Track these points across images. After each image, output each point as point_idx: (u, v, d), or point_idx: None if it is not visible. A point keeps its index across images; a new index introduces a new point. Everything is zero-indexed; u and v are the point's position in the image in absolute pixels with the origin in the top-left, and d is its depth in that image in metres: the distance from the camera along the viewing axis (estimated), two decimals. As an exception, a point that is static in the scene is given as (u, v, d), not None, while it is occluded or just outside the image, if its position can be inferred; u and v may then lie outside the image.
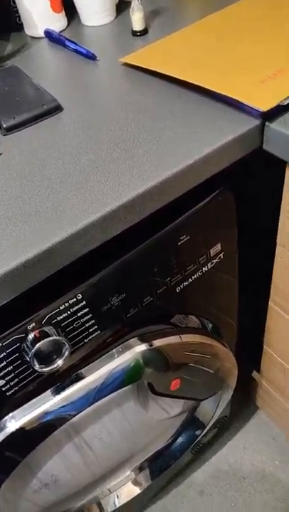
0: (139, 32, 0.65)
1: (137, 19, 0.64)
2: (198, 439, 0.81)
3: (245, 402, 1.11)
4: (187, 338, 0.60)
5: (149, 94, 0.54)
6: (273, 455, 1.07)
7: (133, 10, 0.64)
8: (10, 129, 0.52)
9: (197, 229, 0.52)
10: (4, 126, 0.51)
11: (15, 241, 0.39)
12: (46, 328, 0.44)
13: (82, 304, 0.46)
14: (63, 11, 0.71)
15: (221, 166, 0.48)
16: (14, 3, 0.69)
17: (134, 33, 0.66)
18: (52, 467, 0.57)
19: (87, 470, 0.63)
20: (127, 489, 0.76)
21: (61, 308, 0.45)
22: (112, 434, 0.61)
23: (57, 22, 0.70)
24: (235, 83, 0.49)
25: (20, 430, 0.47)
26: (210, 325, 0.68)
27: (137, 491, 0.77)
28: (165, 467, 0.79)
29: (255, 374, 0.96)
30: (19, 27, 0.72)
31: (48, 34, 0.68)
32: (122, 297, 0.49)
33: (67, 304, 0.45)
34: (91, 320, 0.48)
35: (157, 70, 0.55)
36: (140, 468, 0.77)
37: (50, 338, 0.44)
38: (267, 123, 0.47)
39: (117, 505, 0.75)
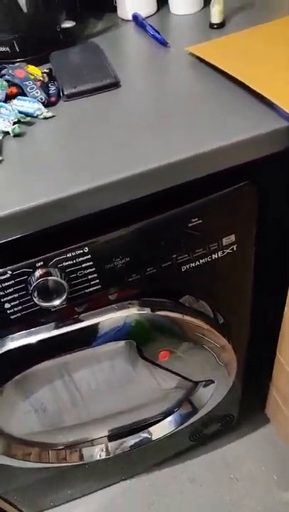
0: (216, 25, 0.68)
1: (215, 12, 0.67)
2: (189, 422, 0.83)
3: (256, 408, 1.10)
4: (189, 319, 0.64)
5: (202, 83, 0.58)
6: (273, 468, 1.06)
7: (213, 3, 0.67)
8: (70, 96, 0.59)
9: (211, 215, 0.55)
10: (65, 93, 0.59)
11: (46, 183, 0.46)
12: (52, 269, 0.51)
13: (87, 257, 0.52)
14: (155, -2, 0.76)
15: (244, 158, 0.50)
16: (113, -14, 0.76)
17: (211, 26, 0.69)
18: (42, 396, 0.66)
19: (73, 411, 0.71)
20: (107, 449, 0.83)
21: (68, 255, 0.52)
22: (99, 383, 0.67)
23: (146, 8, 0.75)
24: (278, 84, 0.51)
25: (15, 351, 0.55)
26: (221, 319, 0.70)
27: (116, 452, 0.83)
28: (148, 441, 0.84)
29: (268, 381, 0.96)
30: (113, 8, 0.78)
31: (135, 18, 0.74)
32: (126, 261, 0.54)
33: (74, 254, 0.52)
34: (93, 274, 0.54)
35: (213, 63, 0.58)
36: (124, 433, 0.82)
37: (52, 278, 0.50)
38: (296, 125, 0.48)
39: (96, 458, 0.82)
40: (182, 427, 0.84)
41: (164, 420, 0.84)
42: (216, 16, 0.68)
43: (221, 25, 0.68)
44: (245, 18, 0.71)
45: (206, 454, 1.11)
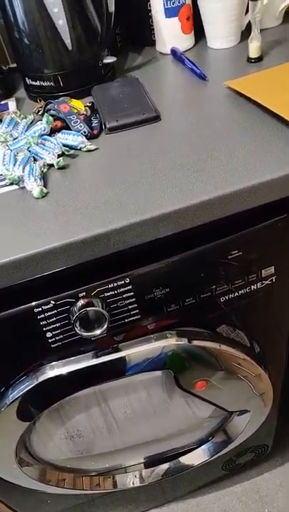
0: (254, 59, 0.70)
1: (253, 47, 0.69)
2: (223, 452, 0.82)
3: (290, 438, 1.07)
4: (226, 348, 0.63)
5: (240, 117, 0.58)
6: (307, 504, 1.02)
7: (252, 39, 0.68)
8: (112, 130, 0.61)
9: (251, 247, 0.55)
10: (108, 126, 0.61)
11: (90, 217, 0.48)
12: (93, 299, 0.52)
13: (128, 287, 0.53)
14: (192, 33, 0.78)
15: (284, 192, 0.51)
16: (152, 22, 0.78)
17: (249, 60, 0.70)
18: (79, 422, 0.66)
19: (108, 437, 0.71)
20: (141, 476, 0.82)
21: (110, 286, 0.53)
22: (135, 411, 0.67)
23: (184, 42, 0.78)
24: None
25: (55, 379, 0.56)
26: (258, 348, 0.70)
27: (147, 480, 0.82)
28: (182, 469, 0.83)
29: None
30: (152, 43, 0.81)
31: (173, 52, 0.76)
32: (166, 291, 0.55)
33: (115, 284, 0.53)
34: (134, 304, 0.55)
35: (251, 97, 0.59)
36: (158, 461, 0.82)
37: (94, 308, 0.51)
38: None
39: (130, 486, 0.81)
40: (216, 456, 0.83)
41: (198, 449, 0.83)
42: (254, 50, 0.69)
43: (258, 60, 0.70)
44: (283, 52, 0.72)
45: (239, 485, 1.08)
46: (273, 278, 0.59)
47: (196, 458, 0.85)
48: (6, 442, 0.63)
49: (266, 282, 0.59)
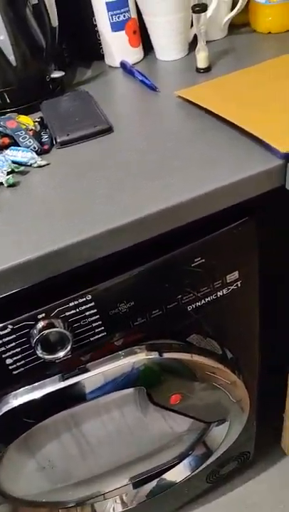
0: (202, 69, 0.70)
1: (201, 58, 0.69)
2: (204, 466, 0.80)
3: (273, 442, 1.06)
4: (199, 358, 0.62)
5: (192, 126, 0.58)
6: (294, 507, 1.01)
7: (198, 50, 0.69)
8: (63, 144, 0.59)
9: (213, 254, 0.54)
10: (58, 140, 0.59)
11: (43, 234, 0.46)
12: (54, 320, 0.50)
13: (90, 304, 0.51)
14: (140, 46, 0.78)
15: (241, 197, 0.50)
16: (99, 37, 0.78)
17: (198, 70, 0.71)
18: (49, 452, 0.63)
19: (83, 464, 0.68)
20: (122, 501, 0.79)
21: (71, 304, 0.50)
22: (110, 433, 0.64)
23: (133, 55, 0.78)
24: (268, 124, 0.51)
25: (20, 408, 0.53)
26: (230, 354, 0.69)
27: (130, 504, 0.79)
28: (165, 488, 0.80)
29: (282, 413, 0.92)
30: (101, 57, 0.81)
31: (123, 65, 0.76)
32: (131, 305, 0.53)
33: (76, 302, 0.51)
34: (98, 321, 0.53)
35: (201, 105, 0.59)
36: (139, 482, 0.79)
37: (56, 329, 0.49)
38: (289, 164, 0.48)
39: None
40: (199, 470, 0.80)
41: (180, 464, 0.80)
42: (201, 61, 0.70)
43: (207, 70, 0.70)
44: (230, 62, 0.73)
45: (225, 496, 1.05)
46: (238, 283, 0.59)
47: (179, 474, 0.82)
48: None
49: (232, 287, 0.59)
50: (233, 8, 0.76)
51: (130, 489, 0.79)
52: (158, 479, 0.81)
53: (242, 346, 0.70)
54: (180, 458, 0.80)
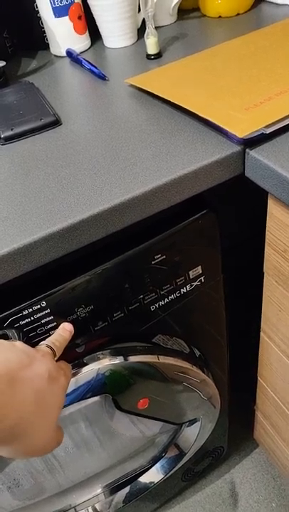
0: (153, 55, 0.67)
1: (151, 43, 0.66)
2: (178, 467, 0.78)
3: (245, 435, 1.06)
4: (166, 359, 0.60)
5: (144, 114, 0.55)
6: (271, 496, 1.02)
7: (148, 35, 0.66)
8: (7, 139, 0.55)
9: (175, 249, 0.52)
10: (2, 136, 0.55)
11: None
12: (8, 331, 0.46)
13: (46, 311, 0.47)
14: (87, 33, 0.74)
15: (199, 188, 0.48)
16: (42, 24, 0.73)
17: (148, 57, 0.68)
18: (14, 470, 0.58)
19: (52, 479, 0.64)
20: (97, 508, 0.75)
21: (24, 313, 0.46)
22: (77, 444, 0.61)
23: (80, 43, 0.74)
24: (222, 108, 0.49)
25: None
26: (198, 352, 0.67)
27: (109, 510, 0.76)
28: (140, 492, 0.78)
29: (252, 406, 0.92)
30: (46, 46, 0.76)
31: (69, 54, 0.72)
32: (90, 309, 0.50)
33: (30, 310, 0.47)
34: (55, 328, 0.49)
35: (153, 92, 0.56)
36: (113, 489, 0.76)
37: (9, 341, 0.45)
38: (247, 150, 0.46)
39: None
40: (173, 471, 0.78)
41: (153, 467, 0.78)
42: (151, 47, 0.67)
43: (157, 56, 0.67)
44: (181, 47, 0.70)
45: (201, 492, 1.05)
46: (202, 278, 0.56)
47: (153, 477, 0.80)
48: None
49: (195, 283, 0.56)
50: (181, -8, 0.74)
51: (103, 498, 0.76)
52: (132, 484, 0.78)
53: (210, 343, 0.68)
54: (153, 461, 0.78)
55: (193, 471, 0.95)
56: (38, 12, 0.71)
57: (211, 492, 1.05)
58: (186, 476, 0.95)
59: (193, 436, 0.74)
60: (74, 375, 0.52)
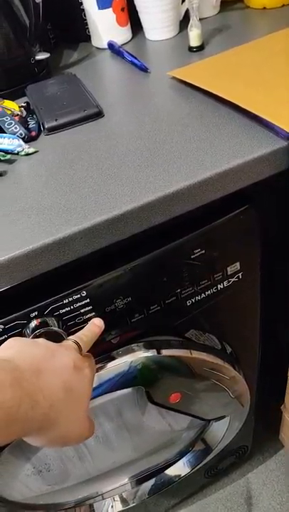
0: (195, 48, 0.67)
1: (194, 36, 0.66)
2: (204, 462, 0.78)
3: (271, 436, 1.05)
4: (198, 354, 0.59)
5: (187, 107, 0.55)
6: (293, 498, 1.00)
7: (191, 27, 0.65)
8: (51, 130, 0.56)
9: (213, 244, 0.51)
10: (46, 126, 0.55)
11: (33, 227, 0.42)
12: (48, 319, 0.47)
13: (85, 301, 0.48)
14: (129, 25, 0.74)
15: (243, 183, 0.47)
16: (85, 16, 0.74)
17: (190, 49, 0.67)
18: (46, 455, 0.60)
19: (81, 466, 0.65)
20: (122, 499, 0.76)
21: (64, 302, 0.47)
22: (107, 434, 0.62)
23: (121, 35, 0.74)
24: (268, 102, 0.48)
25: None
26: (229, 349, 0.66)
27: (131, 502, 0.77)
28: (165, 485, 0.78)
29: (282, 408, 0.91)
30: (87, 38, 0.76)
31: (111, 46, 0.72)
32: (127, 301, 0.50)
33: (70, 299, 0.47)
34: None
35: (196, 84, 0.55)
36: (139, 481, 0.76)
37: (49, 328, 0.46)
38: (295, 145, 0.45)
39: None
40: (198, 467, 0.78)
41: (179, 462, 0.78)
42: (194, 39, 0.66)
43: (200, 48, 0.67)
44: (224, 40, 0.69)
45: (223, 490, 1.04)
46: (240, 274, 0.56)
47: (178, 471, 0.80)
48: None
49: (232, 280, 0.56)
50: (226, -17, 0.73)
51: (129, 488, 0.77)
52: (157, 476, 0.79)
53: (242, 340, 0.68)
54: (179, 455, 0.78)
55: (216, 468, 0.94)
56: (81, 4, 0.72)
57: (233, 491, 1.04)
58: (210, 473, 0.95)
59: (221, 433, 0.74)
60: (107, 365, 0.53)
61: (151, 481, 0.78)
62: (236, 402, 0.70)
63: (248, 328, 0.67)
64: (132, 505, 0.77)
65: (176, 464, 0.78)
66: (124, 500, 0.79)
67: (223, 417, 0.73)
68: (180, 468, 0.79)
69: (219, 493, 1.04)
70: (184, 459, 0.78)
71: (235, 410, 0.71)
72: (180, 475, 0.79)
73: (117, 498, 0.78)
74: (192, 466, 0.78)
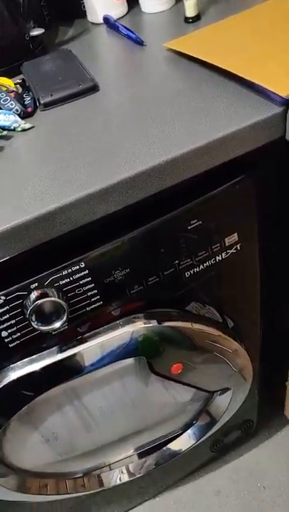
0: (191, 18, 0.66)
1: (189, 5, 0.65)
2: (209, 435, 0.79)
3: (276, 411, 1.06)
4: (199, 326, 0.60)
5: (183, 78, 0.55)
6: (299, 471, 1.02)
7: (186, -4, 0.64)
8: (47, 105, 0.56)
9: (210, 215, 0.52)
10: (42, 102, 0.56)
11: (30, 199, 0.43)
12: (48, 290, 0.48)
13: (84, 272, 0.49)
14: (124, -1, 0.74)
15: (238, 151, 0.47)
16: (80, -9, 0.73)
17: (187, 20, 0.66)
18: (53, 424, 0.61)
19: (87, 436, 0.67)
20: (129, 470, 0.78)
21: (64, 273, 0.48)
22: (112, 405, 0.63)
23: (117, 9, 0.73)
24: (264, 70, 0.48)
25: (19, 381, 0.51)
26: (231, 322, 0.67)
27: (138, 473, 0.79)
28: (171, 456, 0.80)
29: (287, 383, 0.92)
30: (83, 14, 0.76)
31: (106, 20, 0.72)
32: (126, 272, 0.51)
33: (70, 270, 0.48)
34: (93, 290, 0.50)
35: (192, 55, 0.55)
36: (145, 452, 0.78)
37: (50, 299, 0.47)
38: (289, 111, 0.45)
39: (117, 482, 0.78)
40: (203, 439, 0.80)
41: (184, 434, 0.80)
42: (190, 9, 0.65)
43: (196, 19, 0.66)
44: (220, 9, 0.68)
45: (229, 464, 1.06)
46: (238, 246, 0.56)
47: (184, 443, 0.82)
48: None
49: (231, 251, 0.56)
50: None
51: (136, 459, 0.79)
52: (163, 449, 0.81)
53: (243, 313, 0.68)
54: (184, 428, 0.80)
55: (222, 442, 0.96)
56: (76, -22, 0.71)
57: (238, 464, 1.06)
58: (215, 447, 0.97)
59: (225, 404, 0.75)
60: (109, 336, 0.54)
61: (158, 453, 0.80)
62: (238, 375, 0.71)
63: (249, 301, 0.68)
64: (138, 475, 0.79)
65: (182, 437, 0.80)
66: (131, 472, 0.81)
67: (226, 390, 0.74)
68: (185, 441, 0.81)
69: (226, 467, 1.06)
70: (189, 431, 0.79)
71: (238, 383, 0.72)
72: (185, 447, 0.81)
73: (124, 470, 0.80)
74: (197, 438, 0.80)
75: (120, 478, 0.81)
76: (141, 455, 0.80)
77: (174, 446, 0.82)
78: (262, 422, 1.05)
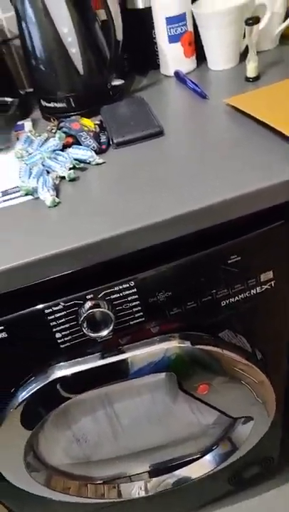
0: (251, 78, 0.74)
1: (251, 68, 0.73)
2: (228, 462, 0.82)
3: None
4: (228, 353, 0.65)
5: (238, 132, 0.62)
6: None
7: (249, 60, 0.73)
8: (119, 145, 0.65)
9: (249, 252, 0.58)
10: (115, 141, 0.65)
11: (98, 224, 0.52)
12: (100, 301, 0.55)
13: (133, 290, 0.56)
14: (194, 56, 0.83)
15: (279, 199, 0.54)
16: (157, 48, 0.84)
17: (247, 79, 0.75)
18: (85, 426, 0.68)
19: (113, 441, 0.72)
20: (147, 487, 0.82)
21: (115, 289, 0.56)
22: (139, 416, 0.69)
23: (187, 64, 0.83)
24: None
25: (64, 378, 0.59)
26: (259, 354, 0.71)
27: (154, 491, 0.82)
28: (187, 480, 0.83)
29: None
30: (157, 66, 0.87)
31: (176, 74, 0.82)
32: (168, 295, 0.58)
33: (121, 287, 0.56)
34: (138, 306, 0.57)
35: (249, 113, 0.63)
36: (162, 470, 0.82)
37: (101, 309, 0.54)
38: None
39: (135, 496, 0.82)
40: (222, 466, 0.83)
41: (203, 458, 0.83)
42: (251, 70, 0.74)
43: (256, 79, 0.74)
44: (279, 72, 0.76)
45: (248, 500, 1.07)
46: (272, 282, 0.62)
47: (202, 468, 0.85)
48: (15, 444, 0.65)
49: (265, 287, 0.62)
50: (285, 19, 0.80)
51: (154, 476, 0.83)
52: (181, 470, 0.84)
53: (272, 348, 0.72)
54: (204, 452, 0.83)
55: (241, 475, 0.98)
56: (154, 38, 0.82)
57: (257, 504, 1.06)
58: (233, 480, 0.98)
59: (246, 434, 0.78)
60: (146, 350, 0.60)
61: (175, 474, 0.84)
62: (262, 406, 0.75)
63: (279, 337, 0.72)
64: (152, 493, 0.83)
65: (201, 460, 0.84)
66: (146, 489, 0.85)
67: (249, 420, 0.77)
68: (204, 465, 0.84)
69: (243, 503, 1.06)
70: (208, 456, 0.83)
71: (260, 414, 0.76)
72: (203, 472, 0.84)
73: (142, 485, 0.84)
74: (216, 463, 0.83)
75: (138, 493, 0.85)
76: (159, 472, 0.84)
77: (193, 469, 0.85)
78: (284, 461, 1.05)
